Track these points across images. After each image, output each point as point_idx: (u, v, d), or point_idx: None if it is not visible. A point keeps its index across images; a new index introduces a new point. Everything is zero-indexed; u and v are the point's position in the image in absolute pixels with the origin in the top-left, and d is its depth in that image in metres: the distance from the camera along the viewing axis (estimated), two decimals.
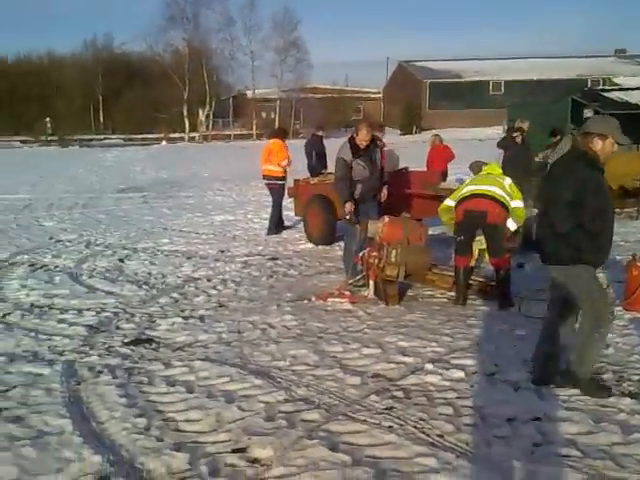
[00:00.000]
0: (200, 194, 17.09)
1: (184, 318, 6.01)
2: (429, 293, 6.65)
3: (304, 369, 4.62)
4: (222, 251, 9.30)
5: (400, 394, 4.13)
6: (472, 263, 6.42)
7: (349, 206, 6.89)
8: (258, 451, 3.45)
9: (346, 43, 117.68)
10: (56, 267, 8.34)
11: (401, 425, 3.70)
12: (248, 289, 7.09)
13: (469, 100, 49.83)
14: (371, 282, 6.51)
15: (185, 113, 53.30)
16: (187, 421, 3.85)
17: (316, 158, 11.39)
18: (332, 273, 7.72)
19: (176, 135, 52.42)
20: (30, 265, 8.45)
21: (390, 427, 3.67)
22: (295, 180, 10.95)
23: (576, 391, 4.08)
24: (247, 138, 51.41)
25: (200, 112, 53.94)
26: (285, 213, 11.10)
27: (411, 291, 6.70)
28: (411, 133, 47.76)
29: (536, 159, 11.16)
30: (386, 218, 6.63)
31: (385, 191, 7.40)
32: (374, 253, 6.43)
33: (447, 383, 4.30)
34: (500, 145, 11.16)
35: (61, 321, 5.94)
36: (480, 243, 6.37)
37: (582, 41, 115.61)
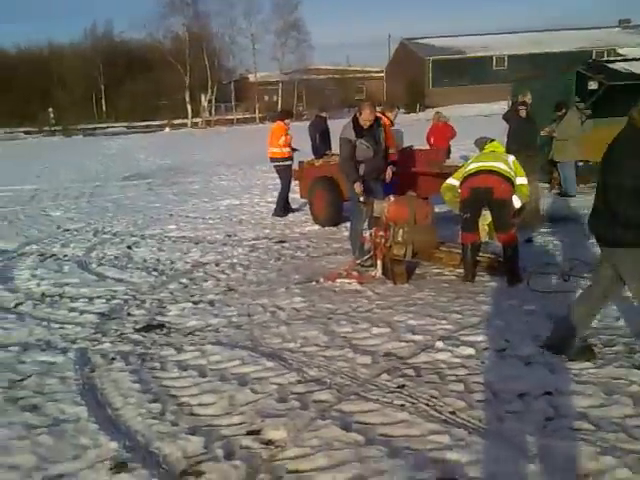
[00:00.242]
0: (205, 179, 17.07)
1: (194, 303, 6.03)
2: (437, 271, 6.65)
3: (315, 350, 4.64)
4: (229, 235, 9.32)
5: (411, 372, 4.14)
6: (483, 238, 6.39)
7: (358, 186, 6.87)
8: (272, 433, 3.48)
9: (347, 23, 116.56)
10: (65, 256, 8.38)
11: (413, 403, 3.72)
12: (256, 272, 7.11)
13: (473, 76, 49.46)
14: (379, 262, 6.51)
15: (187, 99, 53.18)
16: (201, 405, 3.88)
17: (320, 139, 11.33)
18: (339, 254, 7.73)
19: (179, 121, 52.34)
20: (39, 255, 8.49)
21: (402, 405, 3.69)
22: (300, 162, 10.94)
23: (588, 364, 4.08)
24: (250, 122, 51.29)
25: (202, 97, 53.80)
26: (291, 196, 11.09)
27: (419, 269, 6.69)
28: (415, 111, 47.47)
29: (542, 133, 11.07)
30: (392, 197, 6.61)
31: (390, 171, 7.37)
32: (381, 233, 6.42)
33: (458, 360, 4.31)
34: (505, 117, 11.09)
35: (72, 309, 5.98)
36: (485, 219, 6.34)
37: (585, 12, 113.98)
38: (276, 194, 11.13)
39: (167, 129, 48.75)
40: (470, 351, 4.43)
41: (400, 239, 6.27)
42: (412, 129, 13.67)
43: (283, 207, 10.80)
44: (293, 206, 11.13)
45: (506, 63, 50.30)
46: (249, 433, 3.50)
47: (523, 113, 10.62)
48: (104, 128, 51.60)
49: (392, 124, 8.68)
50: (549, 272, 6.20)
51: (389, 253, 6.32)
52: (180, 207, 12.35)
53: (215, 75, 54.45)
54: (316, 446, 3.32)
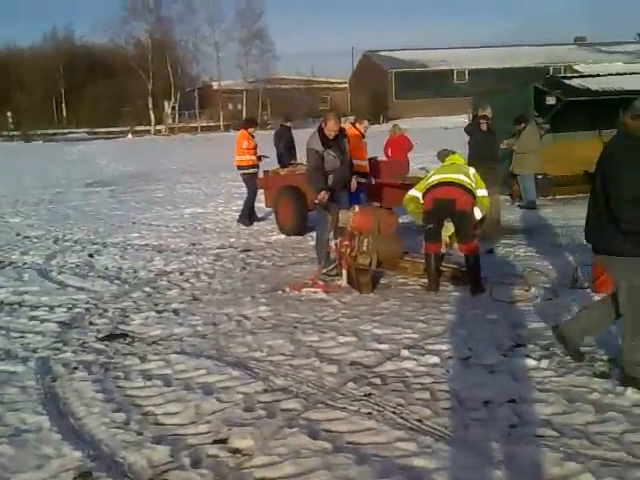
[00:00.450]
0: (169, 187, 16.93)
1: (158, 312, 5.96)
2: (402, 280, 6.71)
3: (281, 359, 4.63)
4: (193, 244, 9.24)
5: (377, 381, 4.17)
6: (443, 249, 6.50)
7: (324, 194, 6.90)
8: (239, 441, 3.46)
9: (311, 33, 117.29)
10: (25, 264, 8.20)
11: (380, 411, 3.74)
12: (222, 281, 7.06)
13: (434, 89, 50.27)
14: (344, 271, 6.55)
15: (150, 106, 52.64)
16: (166, 414, 3.84)
17: (285, 149, 11.37)
18: (305, 263, 7.74)
19: (142, 128, 51.74)
20: None
21: (369, 413, 3.71)
22: (265, 171, 10.96)
23: (550, 372, 4.18)
24: (214, 130, 51.03)
25: (165, 104, 53.34)
26: (256, 205, 11.07)
27: (384, 279, 6.75)
28: (379, 123, 47.90)
29: (502, 146, 11.31)
30: (356, 207, 6.67)
31: (355, 181, 7.44)
32: (346, 242, 6.46)
33: (423, 368, 4.36)
34: (467, 130, 11.30)
35: (32, 318, 5.85)
36: (447, 230, 6.45)
37: (543, 30, 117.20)
38: (241, 202, 11.10)
39: (129, 135, 48.17)
40: (435, 359, 4.48)
41: (365, 249, 6.32)
42: (376, 140, 13.79)
43: (248, 215, 10.79)
44: (258, 215, 11.11)
45: (467, 77, 51.28)
46: (215, 442, 3.48)
47: (484, 126, 10.81)
48: (65, 134, 50.67)
49: (363, 136, 8.74)
50: (510, 282, 6.32)
51: (354, 262, 6.37)
52: (143, 215, 12.21)
53: (178, 82, 54.08)
54: (283, 454, 3.31)
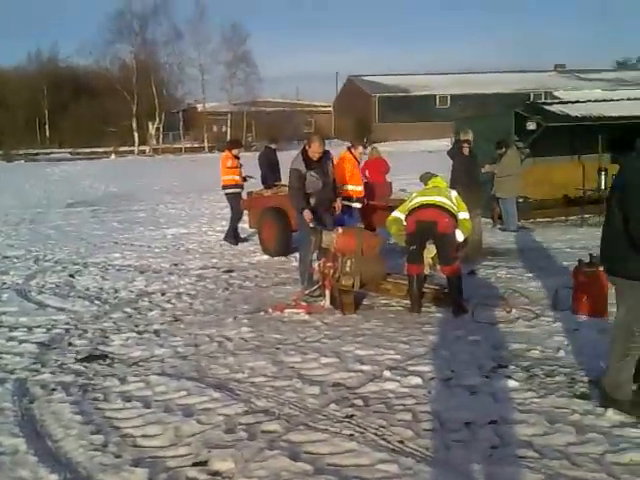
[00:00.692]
0: (152, 207, 16.85)
1: (138, 333, 5.90)
2: (384, 302, 6.72)
3: (263, 380, 4.60)
4: (176, 264, 9.19)
5: (359, 402, 4.15)
6: (426, 271, 6.53)
7: (307, 214, 6.92)
8: (219, 464, 3.42)
9: (296, 57, 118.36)
10: (4, 284, 8.09)
11: (361, 433, 3.72)
12: (203, 302, 7.02)
13: (417, 113, 50.82)
14: (327, 292, 6.55)
15: (134, 127, 52.57)
16: (145, 436, 3.78)
17: (269, 170, 11.42)
18: (288, 284, 7.72)
19: (125, 149, 51.60)
20: None
21: (351, 435, 3.69)
22: (249, 192, 10.98)
23: (531, 394, 4.19)
24: (198, 151, 51.01)
25: (150, 125, 53.32)
26: (240, 225, 11.07)
27: (367, 300, 6.75)
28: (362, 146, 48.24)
29: (483, 170, 11.44)
30: (340, 229, 6.70)
31: (339, 202, 7.49)
32: (329, 263, 6.47)
33: (405, 390, 4.35)
34: (449, 154, 11.43)
35: (10, 339, 5.76)
36: (429, 251, 6.49)
37: (523, 57, 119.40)
38: (225, 223, 11.10)
39: (113, 156, 47.99)
40: (417, 381, 4.48)
41: (348, 270, 6.33)
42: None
43: (234, 235, 10.83)
44: (242, 235, 11.10)
45: (449, 102, 51.95)
46: (195, 464, 3.43)
47: (466, 150, 10.97)
48: (47, 154, 50.31)
49: (358, 162, 8.65)
50: (492, 304, 6.35)
51: (337, 283, 6.37)
52: (125, 235, 12.14)
53: (163, 104, 54.11)
54: (264, 476, 3.28)
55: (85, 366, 5.04)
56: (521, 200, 11.87)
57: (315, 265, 6.86)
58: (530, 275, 7.66)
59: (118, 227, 13.36)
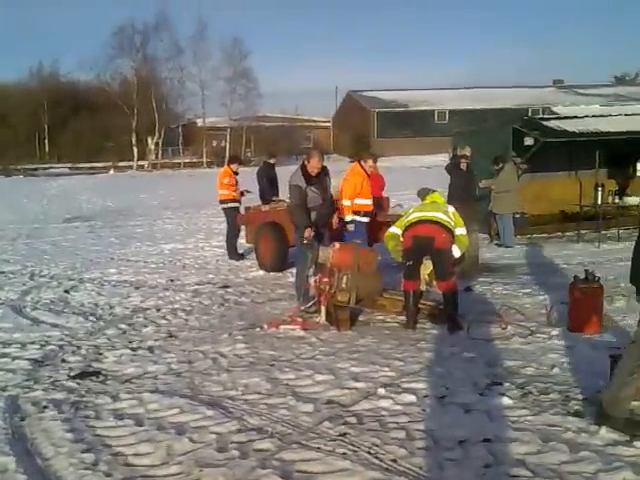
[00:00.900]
0: (149, 223, 16.86)
1: (132, 349, 5.88)
2: (380, 318, 6.70)
3: (256, 398, 4.57)
4: (171, 280, 9.18)
5: (353, 420, 4.12)
6: (422, 287, 6.52)
7: (309, 232, 6.92)
8: None
9: (295, 73, 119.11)
10: None
11: (355, 451, 3.69)
12: (199, 318, 7.00)
13: (416, 129, 51.01)
14: (323, 308, 6.53)
15: (134, 141, 52.73)
16: (136, 455, 3.75)
17: (268, 185, 11.45)
18: (284, 300, 7.71)
19: (124, 164, 51.68)
20: None
21: (344, 453, 3.66)
22: (246, 207, 11.00)
23: (525, 411, 4.17)
24: (197, 166, 51.10)
25: (149, 140, 53.47)
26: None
27: (362, 316, 6.73)
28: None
29: (481, 186, 11.47)
30: (336, 244, 6.69)
31: (336, 218, 7.49)
32: (325, 279, 6.46)
33: (399, 407, 4.32)
34: (447, 169, 11.47)
35: (3, 355, 5.74)
36: (426, 268, 6.48)
37: (522, 72, 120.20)
38: (221, 238, 11.11)
39: (111, 171, 48.06)
40: (411, 398, 4.45)
41: (344, 285, 6.32)
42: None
43: (235, 250, 10.84)
44: (239, 251, 11.10)
45: (447, 117, 52.15)
46: None
47: (464, 166, 11.01)
48: (46, 168, 50.40)
49: (368, 175, 8.48)
50: (487, 321, 6.34)
51: (333, 299, 6.35)
52: (122, 250, 12.13)
53: (163, 119, 54.29)
54: None
55: (78, 383, 5.01)
56: (518, 216, 11.89)
57: (311, 281, 6.85)
58: (526, 291, 7.65)
59: (115, 242, 13.35)
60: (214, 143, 54.91)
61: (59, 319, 7.04)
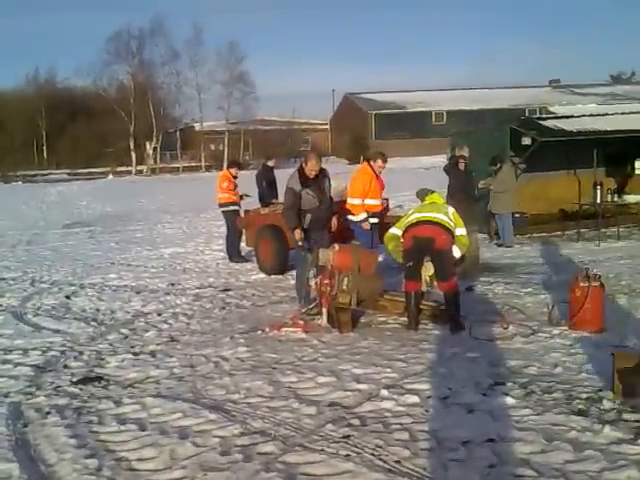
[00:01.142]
0: (149, 227, 16.86)
1: (134, 354, 5.87)
2: (382, 319, 6.70)
3: (259, 401, 4.57)
4: (172, 284, 9.17)
5: (356, 422, 4.12)
6: (423, 288, 6.52)
7: (298, 233, 6.93)
8: None
9: (292, 76, 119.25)
10: (0, 306, 8.06)
11: (358, 453, 3.69)
12: (200, 322, 7.00)
13: (413, 130, 51.04)
14: (324, 310, 6.52)
15: (132, 146, 52.77)
16: (140, 460, 3.75)
17: (267, 188, 11.48)
18: (285, 302, 7.71)
19: (123, 169, 51.70)
20: None
21: (347, 455, 3.66)
22: (246, 211, 11.01)
23: (528, 411, 4.16)
24: (196, 170, 51.14)
25: (147, 145, 53.49)
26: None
27: (364, 318, 6.73)
28: (358, 163, 48.38)
29: (479, 186, 11.47)
30: (336, 246, 6.69)
31: (335, 220, 7.49)
32: (326, 281, 6.45)
33: (402, 408, 4.32)
34: (445, 170, 11.47)
35: (5, 362, 5.73)
36: (427, 269, 6.47)
37: (519, 72, 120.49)
38: (221, 242, 11.11)
39: (110, 176, 48.06)
40: (414, 399, 4.45)
41: (345, 287, 6.31)
42: None
43: (238, 252, 10.83)
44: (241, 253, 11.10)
45: (445, 118, 52.17)
46: None
47: (462, 166, 11.00)
48: (45, 175, 50.41)
49: (376, 176, 8.30)
50: (490, 320, 6.33)
51: (334, 301, 6.35)
52: (122, 255, 12.13)
53: (160, 123, 54.35)
54: None
55: (80, 388, 5.01)
56: (517, 215, 11.90)
57: (312, 283, 6.85)
58: (527, 290, 7.65)
59: (115, 247, 13.35)
60: (212, 147, 54.96)
61: (60, 325, 7.04)
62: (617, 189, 12.47)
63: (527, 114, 38.82)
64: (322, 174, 7.19)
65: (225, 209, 11.04)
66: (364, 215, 8.06)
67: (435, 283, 6.51)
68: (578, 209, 11.96)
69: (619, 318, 6.18)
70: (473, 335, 5.91)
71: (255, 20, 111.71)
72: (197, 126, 55.84)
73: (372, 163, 8.35)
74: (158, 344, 6.18)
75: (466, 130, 19.15)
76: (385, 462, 3.57)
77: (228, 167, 11.70)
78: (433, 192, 6.94)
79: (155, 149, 54.06)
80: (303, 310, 6.84)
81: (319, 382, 4.89)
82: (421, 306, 6.50)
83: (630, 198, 12.14)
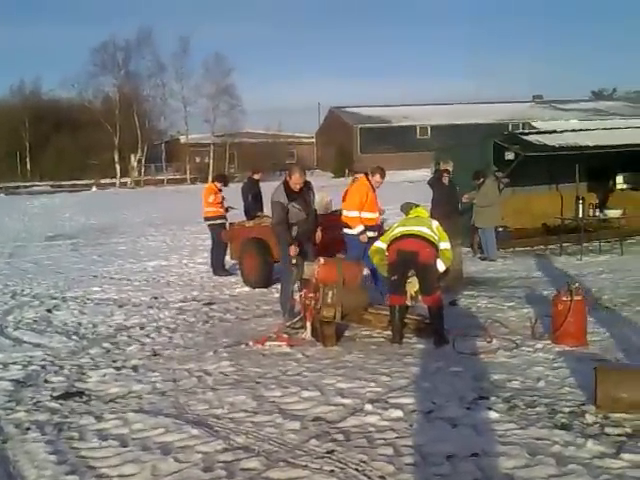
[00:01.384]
0: (132, 240, 16.75)
1: (116, 369, 5.81)
2: (366, 333, 6.69)
3: (242, 416, 4.53)
4: (155, 297, 9.10)
5: (340, 437, 4.10)
6: (409, 303, 6.52)
7: (293, 249, 6.93)
8: None
9: (278, 90, 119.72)
10: None
11: (342, 468, 3.66)
12: (183, 336, 6.95)
13: (398, 144, 51.32)
14: (308, 324, 6.50)
15: (116, 159, 52.56)
16: (121, 476, 3.70)
17: (252, 201, 11.46)
18: (269, 316, 7.68)
19: (107, 181, 51.46)
20: None
21: (331, 471, 3.63)
22: (230, 223, 10.98)
23: (512, 425, 4.16)
24: (181, 183, 51.02)
25: (132, 157, 53.32)
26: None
27: (348, 331, 6.72)
28: (344, 176, 48.54)
29: (463, 199, 11.56)
30: (321, 259, 6.68)
31: (319, 233, 7.50)
32: (310, 294, 6.44)
33: (386, 423, 4.30)
34: (429, 184, 11.55)
35: None
36: (413, 285, 6.48)
37: (502, 88, 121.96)
38: (206, 255, 11.06)
39: (94, 188, 47.79)
40: (399, 413, 4.44)
41: (329, 300, 6.30)
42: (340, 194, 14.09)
43: (222, 265, 10.78)
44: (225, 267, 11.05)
45: (429, 132, 52.60)
46: None
47: (446, 180, 11.10)
48: (28, 187, 49.99)
49: (373, 189, 8.26)
50: (473, 335, 6.35)
51: (318, 315, 6.33)
52: (105, 268, 12.03)
53: (145, 135, 54.25)
54: None
55: (61, 404, 4.94)
56: (501, 229, 11.98)
57: (296, 296, 6.83)
58: (510, 304, 7.69)
59: (98, 260, 13.24)
60: (197, 159, 54.91)
61: (41, 339, 6.95)
62: (599, 204, 12.63)
63: (510, 129, 39.25)
64: (307, 187, 7.22)
65: (212, 222, 11.01)
66: (361, 228, 8.05)
67: (419, 298, 6.53)
68: (560, 223, 12.07)
69: (601, 332, 6.23)
70: (457, 349, 5.92)
71: (241, 34, 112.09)
72: (182, 138, 55.79)
73: (370, 177, 8.35)
74: (140, 358, 6.12)
75: (450, 145, 19.29)
76: (369, 477, 3.55)
77: (213, 180, 11.68)
78: (417, 206, 6.96)
79: (140, 161, 53.90)
80: (287, 324, 6.82)
81: (303, 397, 4.87)
82: (405, 320, 6.51)
83: (611, 213, 12.28)
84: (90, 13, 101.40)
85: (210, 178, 29.58)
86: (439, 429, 4.18)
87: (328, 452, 3.88)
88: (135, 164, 53.73)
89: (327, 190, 13.06)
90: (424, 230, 6.41)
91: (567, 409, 4.40)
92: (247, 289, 9.55)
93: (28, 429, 4.42)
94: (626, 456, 3.66)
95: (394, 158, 49.74)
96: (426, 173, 29.25)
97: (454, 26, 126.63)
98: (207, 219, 11.12)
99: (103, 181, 50.95)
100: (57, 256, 14.12)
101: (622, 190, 13.82)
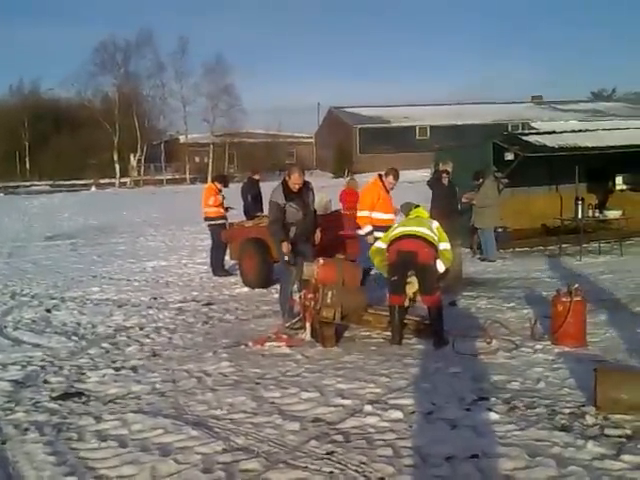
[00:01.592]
0: (132, 240, 16.74)
1: (115, 369, 5.80)
2: (365, 334, 6.68)
3: (242, 417, 4.52)
4: (155, 298, 9.09)
5: (340, 438, 4.09)
6: (406, 304, 6.52)
7: (286, 246, 6.92)
8: None
9: (278, 90, 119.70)
10: None
11: (342, 470, 3.66)
12: (183, 336, 6.94)
13: (398, 144, 51.26)
14: (308, 324, 6.50)
15: (115, 158, 52.55)
16: (120, 477, 3.69)
17: (252, 201, 11.47)
18: (269, 316, 7.67)
19: (106, 181, 51.44)
20: None
21: (331, 472, 3.63)
22: (230, 224, 10.97)
23: (512, 426, 4.16)
24: (180, 183, 51.01)
25: (131, 157, 53.31)
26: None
27: (348, 332, 6.71)
28: (343, 176, 48.51)
29: (462, 200, 11.55)
30: (321, 260, 6.68)
31: (319, 233, 7.49)
32: (310, 295, 6.44)
33: (386, 424, 4.30)
34: (429, 184, 11.55)
35: None
36: (412, 286, 6.48)
37: (501, 88, 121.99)
38: (205, 255, 11.05)
39: (93, 188, 47.77)
40: (398, 414, 4.43)
41: (329, 301, 6.29)
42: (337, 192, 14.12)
43: (222, 266, 10.76)
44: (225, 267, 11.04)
45: (429, 133, 52.56)
46: None
47: (445, 181, 11.10)
48: (27, 186, 49.97)
49: (387, 191, 8.34)
50: (473, 335, 6.34)
51: (318, 316, 6.33)
52: (104, 268, 12.02)
53: (145, 135, 54.26)
54: None
55: (60, 404, 4.93)
56: (500, 230, 11.98)
57: (296, 297, 6.82)
58: (510, 305, 7.69)
59: (97, 260, 13.23)
60: (197, 159, 54.91)
61: (41, 339, 6.94)
62: (598, 204, 12.63)
63: (510, 130, 39.23)
64: (306, 187, 7.21)
65: (212, 223, 10.99)
66: (369, 228, 8.08)
67: (419, 298, 6.53)
68: (560, 224, 12.07)
69: (601, 333, 6.23)
70: (456, 350, 5.92)
71: (241, 34, 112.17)
72: (182, 138, 55.77)
73: (384, 178, 8.37)
74: (140, 359, 6.12)
75: (450, 145, 19.29)
76: (369, 479, 3.55)
77: (213, 180, 11.65)
78: (417, 206, 6.96)
79: (139, 161, 53.91)
80: (287, 324, 6.81)
81: (303, 397, 4.86)
82: (405, 320, 6.50)
83: (611, 213, 12.28)
84: (90, 13, 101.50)
85: (210, 178, 29.60)
86: (439, 430, 4.17)
87: (328, 453, 3.88)
88: (134, 164, 53.74)
89: (326, 190, 13.06)
90: (423, 230, 6.41)
91: (567, 410, 4.39)
92: (246, 289, 9.55)
93: (27, 430, 4.41)
94: (626, 457, 3.66)
95: (393, 158, 49.48)
96: (426, 174, 29.22)
97: (454, 26, 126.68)
98: (207, 219, 11.10)
99: (102, 181, 50.94)
100: (56, 256, 14.11)
101: (621, 191, 13.83)
